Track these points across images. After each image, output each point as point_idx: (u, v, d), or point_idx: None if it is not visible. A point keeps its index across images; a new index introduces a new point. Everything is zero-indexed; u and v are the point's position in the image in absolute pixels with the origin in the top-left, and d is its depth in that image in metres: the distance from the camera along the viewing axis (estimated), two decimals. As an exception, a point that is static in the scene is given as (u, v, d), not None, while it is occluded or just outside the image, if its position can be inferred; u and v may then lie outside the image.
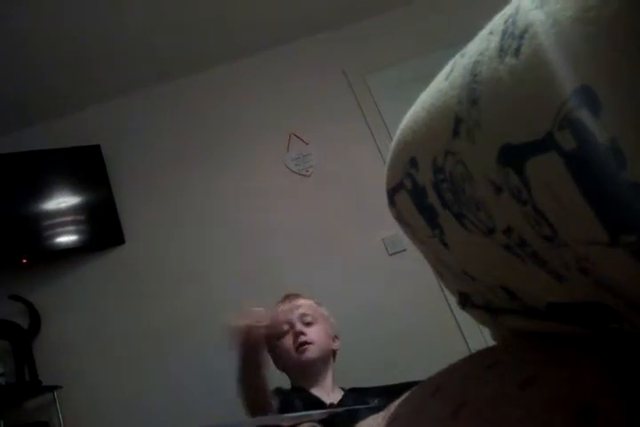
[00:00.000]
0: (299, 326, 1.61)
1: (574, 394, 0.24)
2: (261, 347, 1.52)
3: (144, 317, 2.59)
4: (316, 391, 1.57)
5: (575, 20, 0.19)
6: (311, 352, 1.58)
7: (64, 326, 2.60)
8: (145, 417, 2.37)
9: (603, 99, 0.18)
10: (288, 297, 1.73)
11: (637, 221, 0.19)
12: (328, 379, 1.62)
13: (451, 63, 0.30)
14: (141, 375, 2.51)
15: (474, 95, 0.25)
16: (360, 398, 1.53)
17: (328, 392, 1.59)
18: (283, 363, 1.64)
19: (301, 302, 1.70)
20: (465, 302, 0.38)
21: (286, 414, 1.40)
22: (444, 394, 0.31)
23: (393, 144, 0.36)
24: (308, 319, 1.65)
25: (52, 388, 2.45)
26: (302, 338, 1.59)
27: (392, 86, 2.73)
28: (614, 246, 0.20)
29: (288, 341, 1.61)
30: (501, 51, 0.23)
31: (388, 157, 0.36)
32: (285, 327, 1.63)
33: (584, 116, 0.19)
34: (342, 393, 1.61)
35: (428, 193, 0.31)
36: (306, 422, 1.05)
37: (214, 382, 2.38)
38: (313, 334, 1.61)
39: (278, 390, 1.58)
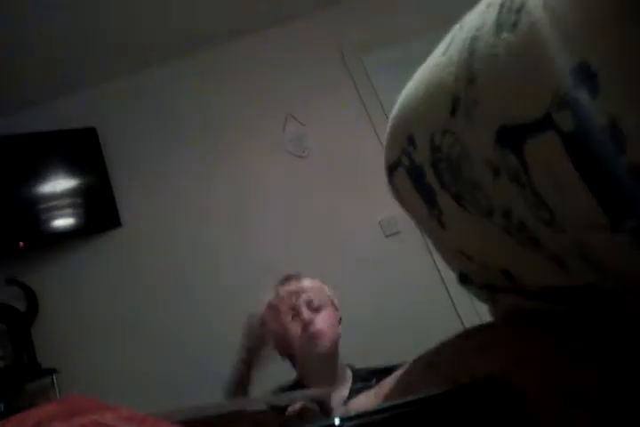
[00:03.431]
0: (306, 315, 1.45)
1: (566, 377, 0.24)
2: (264, 347, 1.41)
3: (142, 300, 2.60)
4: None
5: None
6: (324, 344, 1.44)
7: (61, 310, 2.61)
8: (144, 401, 2.38)
9: (602, 76, 0.18)
10: (289, 278, 1.55)
11: (638, 205, 0.19)
12: (336, 370, 1.50)
13: (449, 36, 0.29)
14: (140, 359, 2.52)
15: (471, 73, 0.24)
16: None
17: (335, 387, 1.47)
18: (289, 352, 1.49)
19: (306, 284, 1.53)
20: (465, 280, 0.37)
21: (284, 393, 1.38)
22: (437, 371, 0.31)
23: (390, 120, 0.35)
24: (316, 304, 1.48)
25: (51, 371, 2.46)
26: (312, 328, 1.43)
27: (389, 67, 2.71)
28: (615, 231, 0.20)
29: (295, 329, 1.45)
30: (498, 26, 0.22)
31: (386, 133, 0.36)
32: (290, 314, 1.47)
33: (583, 95, 0.18)
34: (349, 386, 1.48)
35: (425, 172, 0.31)
36: (301, 400, 1.04)
37: (214, 366, 2.39)
38: (322, 322, 1.46)
39: (280, 389, 1.49)
